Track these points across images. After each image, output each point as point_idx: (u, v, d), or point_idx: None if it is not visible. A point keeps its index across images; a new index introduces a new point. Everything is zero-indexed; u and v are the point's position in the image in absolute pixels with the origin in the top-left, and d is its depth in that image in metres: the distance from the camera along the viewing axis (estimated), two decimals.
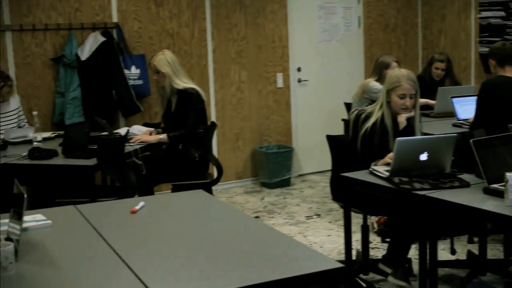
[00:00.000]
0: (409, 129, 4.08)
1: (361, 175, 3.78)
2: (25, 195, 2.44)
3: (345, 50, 7.93)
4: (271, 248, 2.53)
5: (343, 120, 6.65)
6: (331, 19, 7.76)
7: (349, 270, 4.06)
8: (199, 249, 2.56)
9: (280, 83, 7.52)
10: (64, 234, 2.88)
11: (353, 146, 4.11)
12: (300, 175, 7.69)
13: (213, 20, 7.07)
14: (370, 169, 3.80)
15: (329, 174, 7.61)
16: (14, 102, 5.66)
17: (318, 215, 6.11)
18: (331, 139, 4.45)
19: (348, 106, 6.92)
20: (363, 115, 4.12)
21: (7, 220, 2.85)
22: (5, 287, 2.23)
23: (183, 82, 5.15)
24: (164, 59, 5.12)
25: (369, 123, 4.07)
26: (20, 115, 5.73)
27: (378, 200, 3.74)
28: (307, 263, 2.35)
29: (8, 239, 2.61)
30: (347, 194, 3.89)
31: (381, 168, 3.73)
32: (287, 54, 7.54)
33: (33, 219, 2.98)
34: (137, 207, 3.15)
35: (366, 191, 3.72)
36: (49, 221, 2.97)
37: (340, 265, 2.31)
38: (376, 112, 4.11)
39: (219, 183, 5.51)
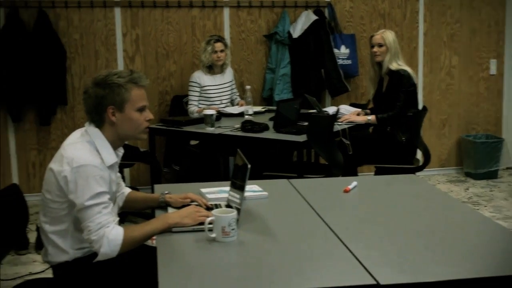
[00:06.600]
0: None
1: None
2: (249, 166, 2.50)
3: None
4: (494, 243, 2.40)
5: None
6: None
7: None
8: (416, 236, 2.47)
9: (493, 70, 7.13)
10: (280, 207, 2.93)
11: None
12: (507, 168, 7.26)
13: (426, 1, 6.84)
14: None
15: None
16: (229, 74, 5.90)
17: None
18: None
19: None
20: None
21: (224, 188, 2.98)
22: (228, 252, 2.31)
23: (397, 64, 5.07)
24: (393, 36, 5.15)
25: None
26: (233, 88, 5.96)
27: None
28: None
29: (228, 206, 2.72)
30: None
31: None
32: (503, 39, 7.10)
33: (250, 189, 3.08)
34: (350, 187, 3.13)
35: None
36: (265, 193, 3.04)
37: None
38: None
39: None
